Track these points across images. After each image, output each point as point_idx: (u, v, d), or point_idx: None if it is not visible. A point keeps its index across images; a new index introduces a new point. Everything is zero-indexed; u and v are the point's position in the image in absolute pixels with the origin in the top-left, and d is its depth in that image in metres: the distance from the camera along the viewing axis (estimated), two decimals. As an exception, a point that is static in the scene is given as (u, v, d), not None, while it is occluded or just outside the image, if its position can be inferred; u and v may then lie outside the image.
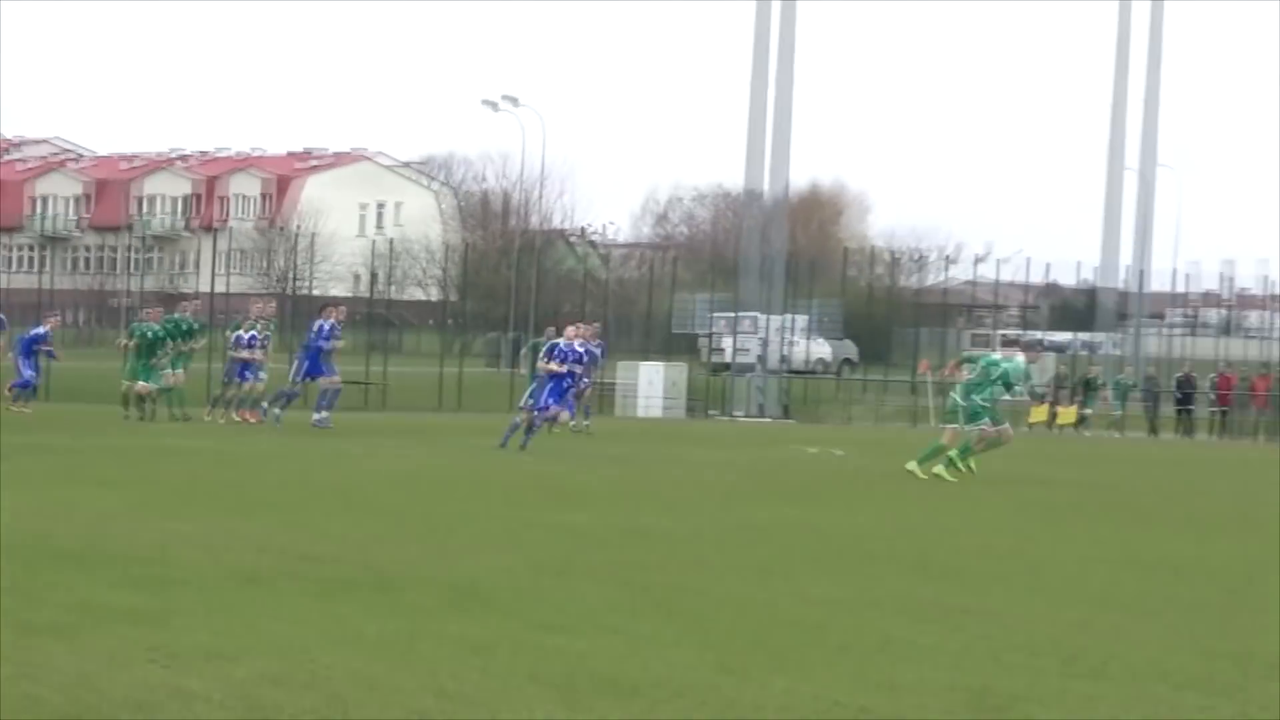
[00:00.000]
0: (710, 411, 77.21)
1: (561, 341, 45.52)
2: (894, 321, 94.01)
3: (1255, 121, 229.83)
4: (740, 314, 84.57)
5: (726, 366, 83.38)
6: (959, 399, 39.96)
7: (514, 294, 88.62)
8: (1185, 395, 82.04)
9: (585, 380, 49.82)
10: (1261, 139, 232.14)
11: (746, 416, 76.51)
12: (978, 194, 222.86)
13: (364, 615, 16.21)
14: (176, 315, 53.08)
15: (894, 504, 32.98)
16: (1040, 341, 73.58)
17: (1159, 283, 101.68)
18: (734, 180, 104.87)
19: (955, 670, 14.58)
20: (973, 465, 39.07)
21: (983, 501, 34.61)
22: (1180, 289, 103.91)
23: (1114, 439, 75.45)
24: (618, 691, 12.98)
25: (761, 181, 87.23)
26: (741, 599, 18.67)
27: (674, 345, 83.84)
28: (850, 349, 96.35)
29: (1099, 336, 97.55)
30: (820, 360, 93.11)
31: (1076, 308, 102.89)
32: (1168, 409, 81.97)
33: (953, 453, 39.05)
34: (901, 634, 16.49)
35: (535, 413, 43.87)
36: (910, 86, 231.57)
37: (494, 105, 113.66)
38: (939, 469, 38.54)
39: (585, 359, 46.11)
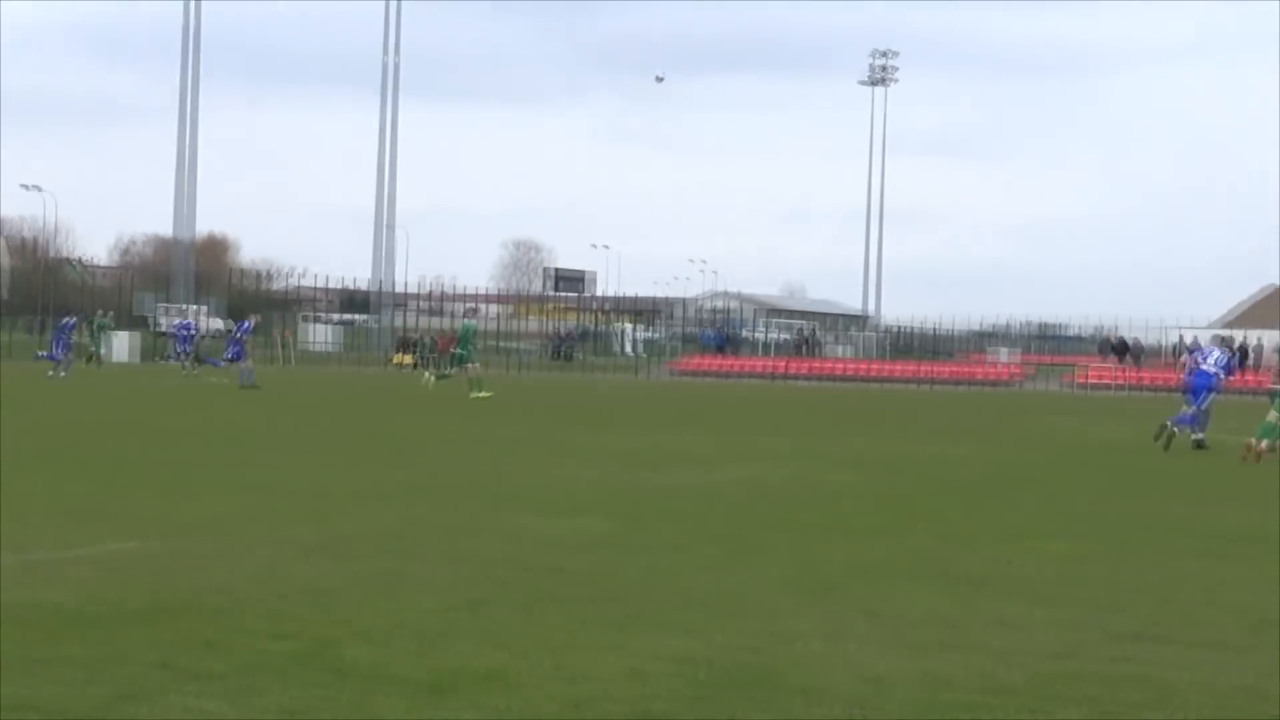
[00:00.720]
0: (159, 359, 75.33)
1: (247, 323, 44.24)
2: (255, 307, 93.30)
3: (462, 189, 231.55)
4: (170, 304, 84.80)
5: (165, 334, 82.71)
6: (457, 350, 40.06)
7: (40, 294, 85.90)
8: (430, 347, 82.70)
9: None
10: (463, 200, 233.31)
11: (176, 362, 74.92)
12: (306, 232, 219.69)
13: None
14: None
15: (217, 410, 32.28)
16: (475, 308, 74.51)
17: (400, 285, 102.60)
18: (166, 227, 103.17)
19: (252, 519, 14.34)
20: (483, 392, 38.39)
21: (278, 404, 34.21)
22: (414, 290, 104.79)
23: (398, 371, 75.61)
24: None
25: (183, 229, 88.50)
26: (117, 459, 18.15)
27: (135, 323, 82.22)
28: (233, 324, 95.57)
29: (370, 316, 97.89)
30: (217, 330, 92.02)
31: (357, 299, 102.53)
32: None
33: (433, 376, 39.17)
34: (220, 478, 16.20)
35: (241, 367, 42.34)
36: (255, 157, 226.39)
37: (27, 187, 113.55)
38: (482, 394, 37.82)
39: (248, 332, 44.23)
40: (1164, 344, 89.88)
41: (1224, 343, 28.96)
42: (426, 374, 38.11)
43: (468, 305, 74.57)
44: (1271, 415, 24.69)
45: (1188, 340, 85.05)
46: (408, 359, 79.40)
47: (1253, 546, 12.70)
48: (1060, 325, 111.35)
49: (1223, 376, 27.10)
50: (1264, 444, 23.97)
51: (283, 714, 6.32)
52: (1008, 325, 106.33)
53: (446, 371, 40.13)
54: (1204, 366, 27.31)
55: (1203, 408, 26.67)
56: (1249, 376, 60.01)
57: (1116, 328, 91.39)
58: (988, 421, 36.97)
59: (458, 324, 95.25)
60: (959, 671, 7.42)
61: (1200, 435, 26.34)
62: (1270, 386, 25.70)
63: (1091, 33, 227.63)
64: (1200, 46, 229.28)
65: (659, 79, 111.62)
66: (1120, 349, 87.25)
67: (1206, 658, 7.89)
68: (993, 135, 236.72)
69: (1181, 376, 29.43)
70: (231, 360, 43.47)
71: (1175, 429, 26.20)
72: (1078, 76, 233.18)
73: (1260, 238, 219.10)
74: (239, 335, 43.56)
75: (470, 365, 39.36)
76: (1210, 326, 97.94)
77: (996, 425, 35.07)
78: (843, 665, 7.49)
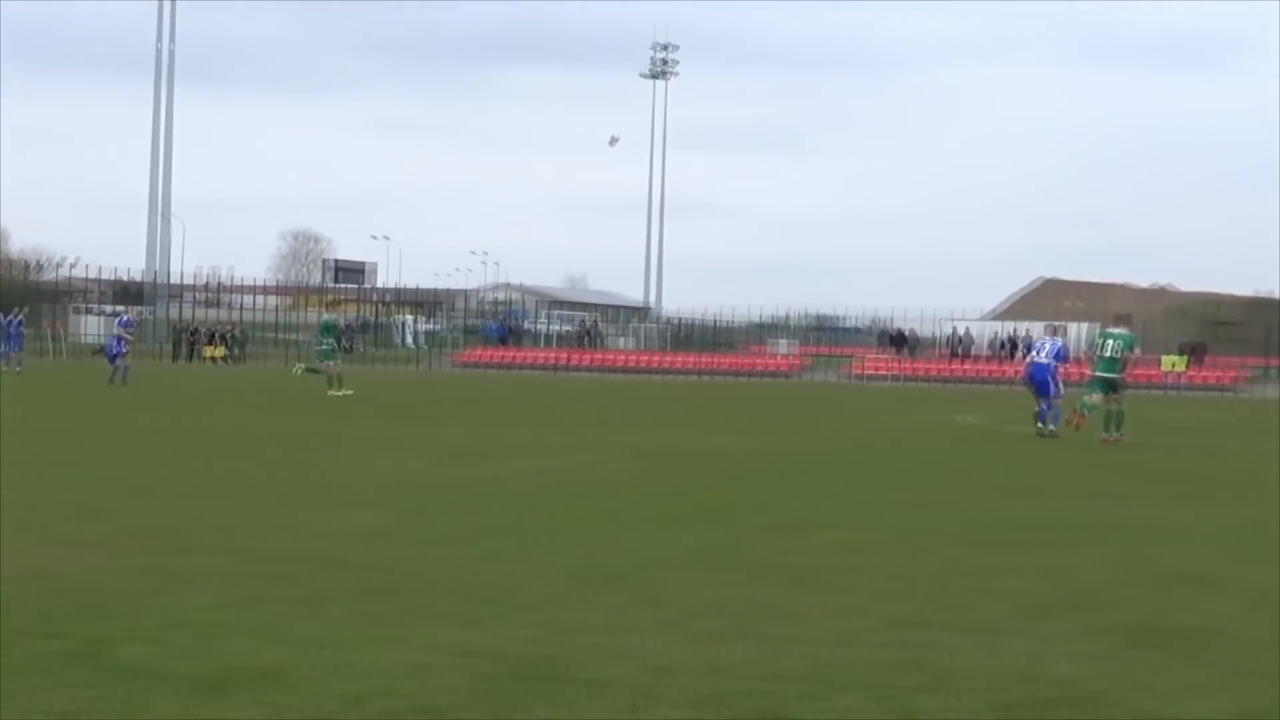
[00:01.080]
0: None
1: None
2: (26, 301, 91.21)
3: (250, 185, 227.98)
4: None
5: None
6: (320, 345, 40.25)
7: None
8: (202, 337, 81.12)
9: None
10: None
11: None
12: (77, 222, 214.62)
13: None
14: None
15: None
16: (340, 302, 74.22)
17: (176, 277, 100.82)
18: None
19: (23, 516, 13.96)
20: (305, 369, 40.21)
21: (56, 398, 33.45)
22: (190, 281, 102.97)
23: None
24: None
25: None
26: None
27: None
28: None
29: (145, 308, 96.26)
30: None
31: (131, 291, 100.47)
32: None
33: (303, 366, 40.83)
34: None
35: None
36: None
37: None
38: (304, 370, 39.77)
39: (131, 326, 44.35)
40: (938, 335, 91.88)
41: (1055, 332, 30.39)
42: (298, 365, 38.88)
43: (328, 299, 73.94)
44: (1092, 398, 26.39)
45: (960, 332, 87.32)
46: (219, 351, 78.29)
47: (1029, 533, 13.04)
48: (838, 317, 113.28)
49: (1055, 364, 28.44)
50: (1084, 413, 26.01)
51: (54, 715, 6.16)
52: (787, 317, 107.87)
53: (315, 365, 39.73)
54: (1039, 359, 28.79)
55: (1056, 400, 28.18)
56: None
57: (893, 319, 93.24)
58: (768, 412, 37.44)
59: (235, 316, 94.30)
60: (739, 659, 7.50)
61: (1053, 426, 27.72)
62: (1092, 375, 27.34)
63: (873, 30, 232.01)
64: (980, 46, 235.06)
65: (613, 140, 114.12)
66: (898, 340, 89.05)
67: (982, 642, 8.07)
68: (773, 130, 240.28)
69: (1022, 371, 31.30)
70: (110, 358, 43.10)
71: (1050, 427, 27.88)
72: (857, 73, 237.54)
73: (1031, 232, 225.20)
74: (125, 331, 43.45)
75: (331, 363, 38.89)
76: (983, 319, 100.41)
77: (777, 416, 35.54)
78: (625, 656, 7.52)
